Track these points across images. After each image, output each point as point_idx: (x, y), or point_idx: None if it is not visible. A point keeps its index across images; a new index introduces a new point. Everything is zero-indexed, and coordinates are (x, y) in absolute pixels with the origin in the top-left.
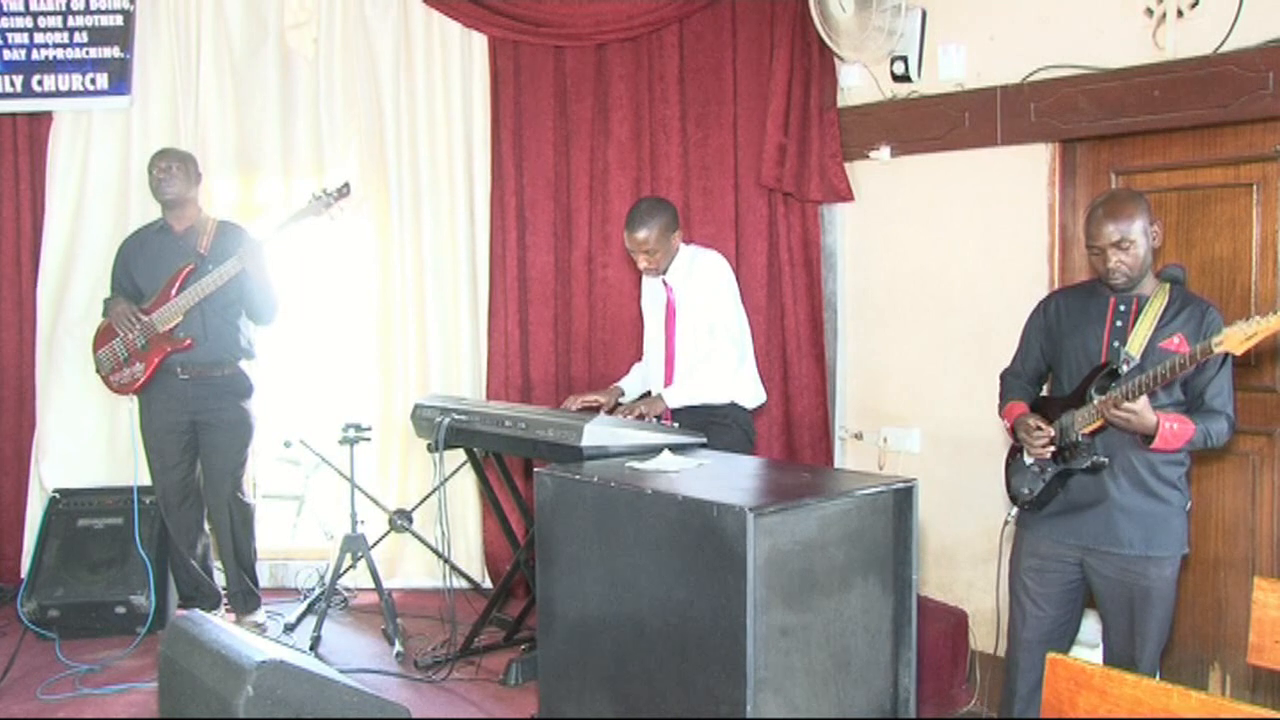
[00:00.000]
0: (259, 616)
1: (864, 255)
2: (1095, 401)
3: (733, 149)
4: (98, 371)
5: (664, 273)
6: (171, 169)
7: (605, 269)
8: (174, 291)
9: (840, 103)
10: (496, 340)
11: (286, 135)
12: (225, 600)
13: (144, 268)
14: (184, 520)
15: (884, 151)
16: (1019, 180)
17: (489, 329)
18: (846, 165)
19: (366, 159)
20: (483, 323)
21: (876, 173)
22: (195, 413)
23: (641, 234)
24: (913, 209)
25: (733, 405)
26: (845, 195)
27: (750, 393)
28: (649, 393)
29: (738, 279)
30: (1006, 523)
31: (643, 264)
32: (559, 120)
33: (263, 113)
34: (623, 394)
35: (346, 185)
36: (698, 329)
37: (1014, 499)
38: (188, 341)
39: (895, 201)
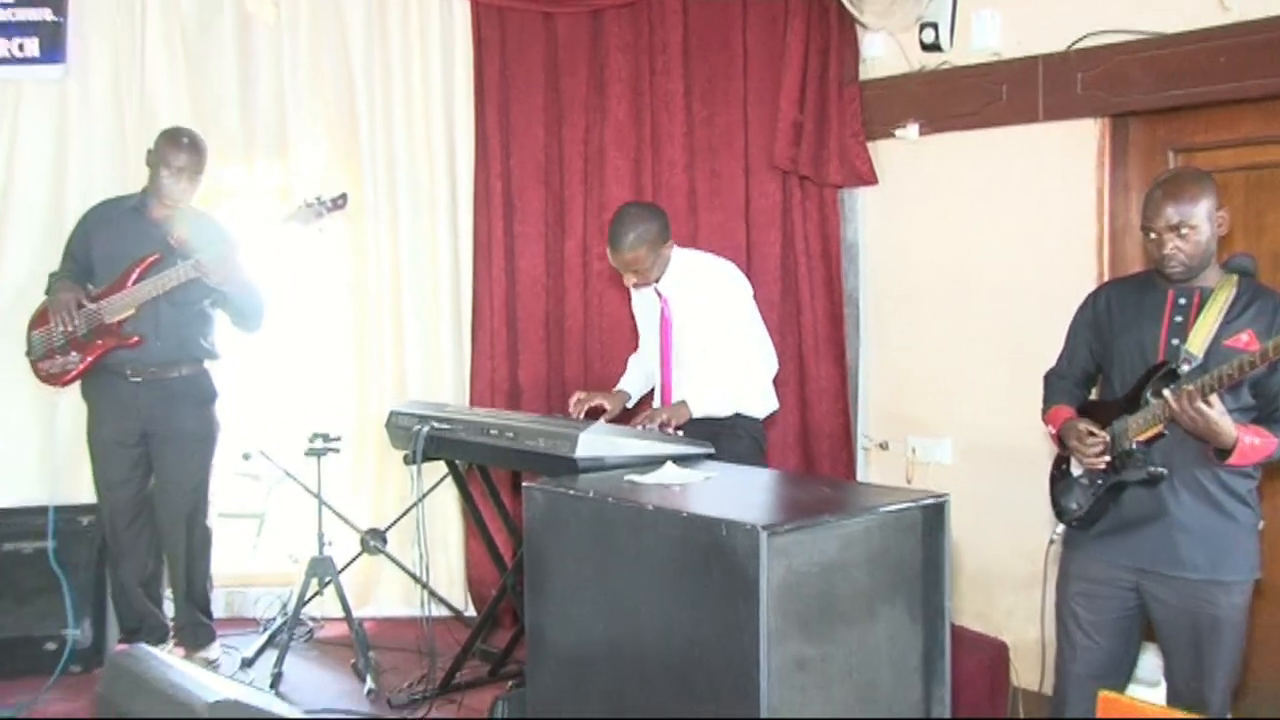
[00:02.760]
0: (212, 651)
1: (889, 245)
2: (1167, 395)
3: (743, 128)
4: (28, 354)
5: (656, 282)
6: (183, 175)
7: (602, 261)
8: (131, 281)
9: (862, 75)
10: (481, 340)
11: (246, 112)
12: (173, 634)
13: (105, 246)
14: (132, 544)
15: (911, 129)
16: (1063, 160)
17: (473, 327)
18: (869, 145)
19: (336, 139)
20: (466, 321)
21: (903, 153)
22: (147, 422)
23: (629, 254)
24: (943, 193)
25: (739, 416)
26: (868, 178)
27: (759, 401)
28: (651, 391)
29: (749, 272)
30: (1052, 542)
31: (631, 281)
32: (550, 96)
33: (219, 87)
34: (629, 398)
35: (343, 196)
36: (703, 346)
37: (1060, 515)
38: (135, 339)
39: (924, 185)
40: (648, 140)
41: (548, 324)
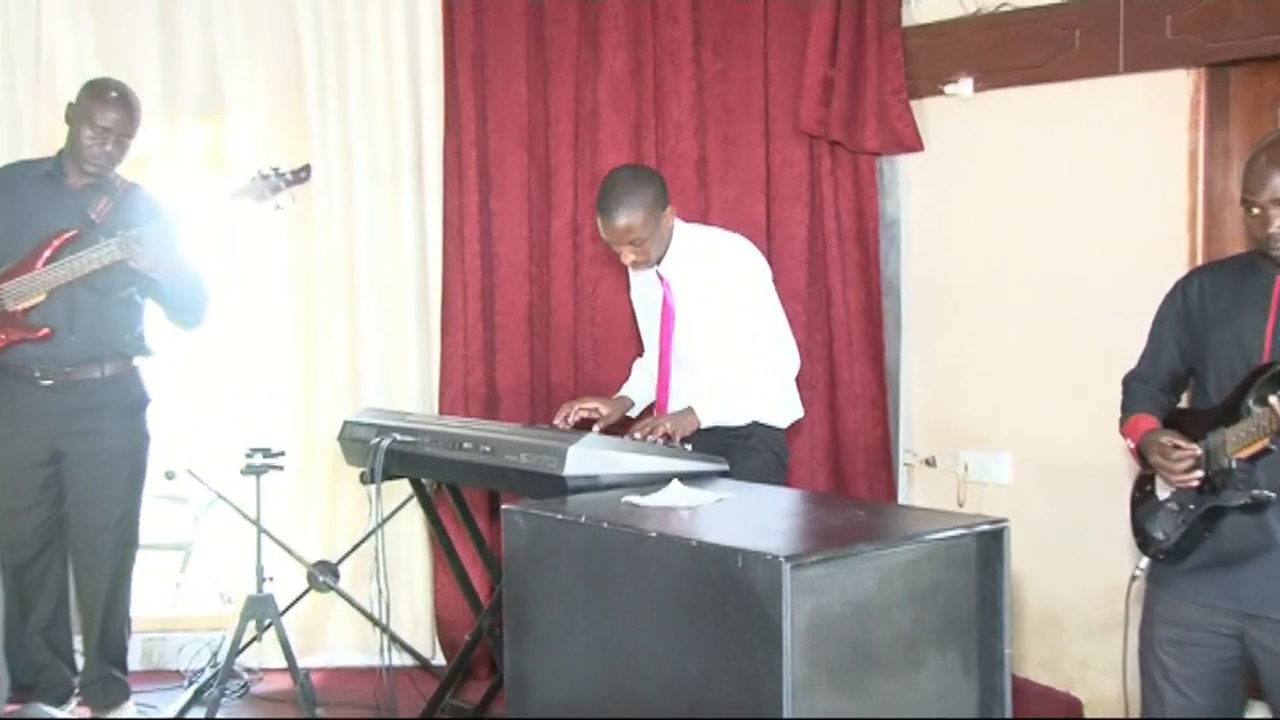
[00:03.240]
0: (126, 711)
1: (936, 223)
2: (1274, 403)
3: (762, 84)
4: None
5: (657, 263)
6: (109, 136)
7: (595, 243)
8: (41, 261)
9: (906, 20)
10: (452, 337)
11: (168, 63)
12: (78, 690)
13: (10, 219)
14: (37, 582)
15: (964, 85)
16: (1148, 120)
17: (443, 323)
18: (914, 104)
19: (278, 97)
20: (434, 315)
21: (954, 114)
22: (60, 436)
23: (623, 220)
24: (1002, 161)
25: (756, 425)
26: (912, 144)
27: (780, 407)
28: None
29: (769, 255)
30: (1134, 578)
31: (629, 258)
32: (534, 47)
33: (132, 31)
34: (631, 405)
35: (306, 168)
36: (712, 337)
37: (1144, 547)
38: (44, 331)
39: (979, 152)
40: (649, 99)
41: (531, 318)
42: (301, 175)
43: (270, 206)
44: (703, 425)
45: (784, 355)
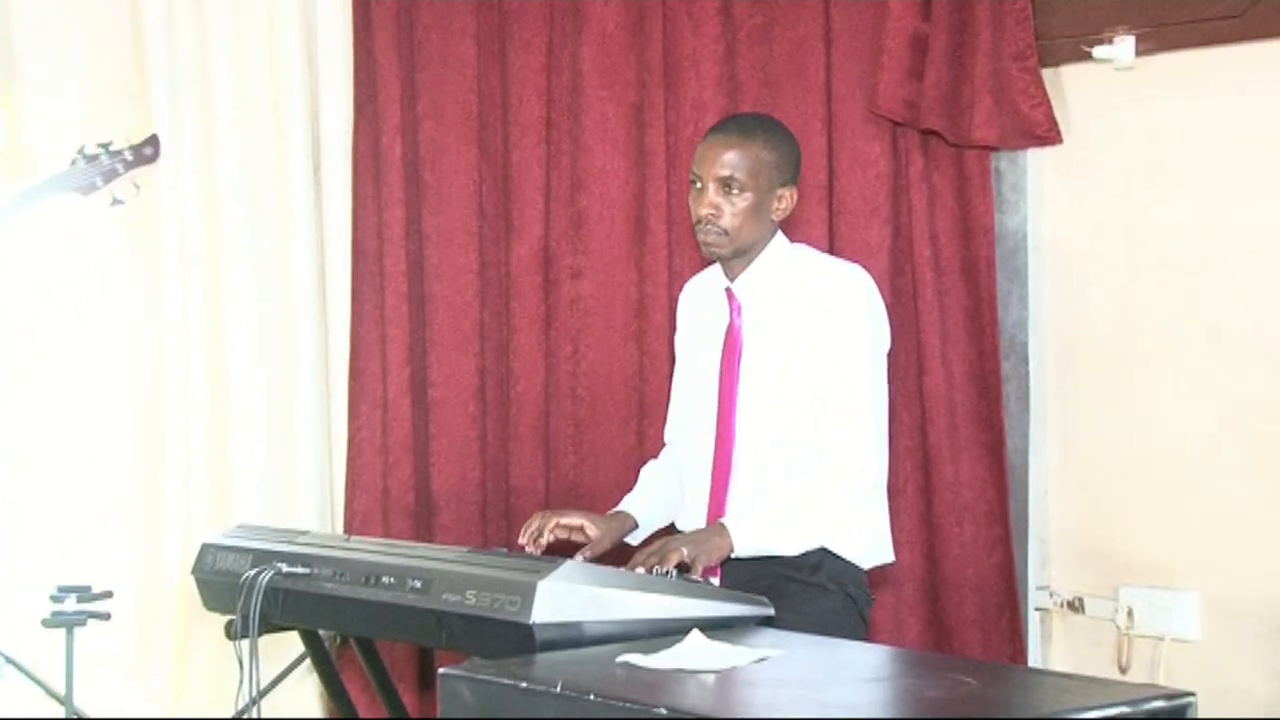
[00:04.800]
0: None
1: (1082, 249)
2: None
3: (822, 45)
4: None
5: (731, 267)
6: None
7: (577, 279)
8: None
9: None
10: (366, 419)
11: None
12: None
13: None
14: None
15: (1122, 46)
16: None
17: (350, 397)
18: (1047, 75)
19: (105, 65)
20: (339, 385)
21: (1108, 87)
22: None
23: (731, 153)
24: (1180, 156)
25: (825, 553)
26: (1044, 133)
27: (862, 539)
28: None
29: None
30: None
31: (705, 209)
32: None
33: None
34: (633, 527)
35: (152, 141)
36: (788, 397)
37: None
38: None
39: (1144, 143)
40: (656, 68)
41: (482, 390)
42: (146, 152)
43: (104, 199)
44: (737, 554)
45: (875, 455)
